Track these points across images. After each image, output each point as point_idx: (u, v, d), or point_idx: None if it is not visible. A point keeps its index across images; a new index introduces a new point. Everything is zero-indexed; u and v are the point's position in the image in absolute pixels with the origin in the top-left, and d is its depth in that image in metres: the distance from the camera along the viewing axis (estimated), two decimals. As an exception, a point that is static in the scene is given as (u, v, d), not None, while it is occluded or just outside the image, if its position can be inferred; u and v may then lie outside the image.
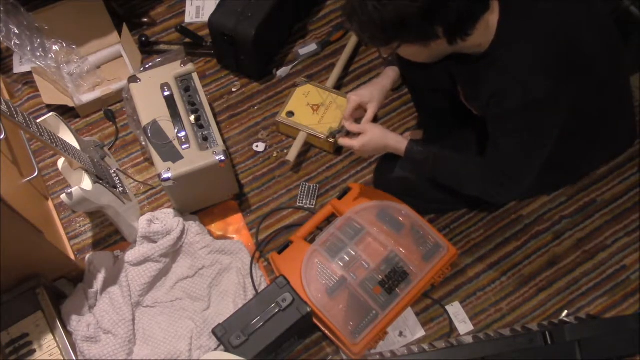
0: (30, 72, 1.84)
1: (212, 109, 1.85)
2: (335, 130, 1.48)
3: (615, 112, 1.37)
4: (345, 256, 1.45)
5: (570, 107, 1.18)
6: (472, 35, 1.12)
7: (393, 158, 1.57)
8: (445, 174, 1.37)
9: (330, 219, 1.60)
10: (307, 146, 1.78)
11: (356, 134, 1.40)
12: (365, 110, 1.43)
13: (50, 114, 1.42)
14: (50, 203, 1.71)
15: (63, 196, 1.32)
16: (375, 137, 1.37)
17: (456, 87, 1.37)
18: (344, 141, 1.42)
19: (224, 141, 1.79)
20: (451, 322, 1.52)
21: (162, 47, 1.95)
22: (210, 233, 1.63)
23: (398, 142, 1.36)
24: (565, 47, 1.13)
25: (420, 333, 1.51)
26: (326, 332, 1.45)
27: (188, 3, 2.05)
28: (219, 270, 1.57)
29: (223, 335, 1.33)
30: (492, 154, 1.26)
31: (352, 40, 1.90)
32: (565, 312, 1.52)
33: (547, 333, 1.17)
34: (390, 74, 1.47)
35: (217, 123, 1.77)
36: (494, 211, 1.67)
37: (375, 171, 1.69)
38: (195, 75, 1.61)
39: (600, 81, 1.22)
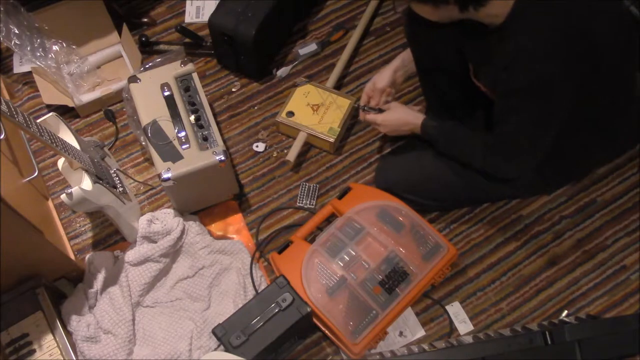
0: (30, 72, 1.84)
1: (212, 109, 1.85)
2: (363, 105, 1.60)
3: (623, 106, 1.36)
4: (345, 256, 1.45)
5: (578, 91, 1.18)
6: (486, 6, 1.13)
7: (394, 156, 1.61)
8: (455, 148, 1.42)
9: (330, 219, 1.60)
10: (307, 146, 1.78)
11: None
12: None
13: (50, 114, 1.42)
14: (50, 203, 1.71)
15: (63, 196, 1.32)
16: (397, 113, 1.50)
17: (463, 69, 1.37)
18: (369, 117, 1.55)
19: (224, 141, 1.79)
20: (451, 322, 1.52)
21: (162, 47, 1.95)
22: (210, 233, 1.63)
23: (416, 118, 1.45)
24: (578, 31, 1.13)
25: (420, 333, 1.51)
26: (326, 332, 1.45)
27: (188, 3, 2.05)
28: (219, 270, 1.57)
29: (223, 335, 1.33)
30: (500, 130, 1.27)
31: (352, 40, 1.90)
32: (565, 312, 1.52)
33: (547, 333, 1.17)
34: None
35: (217, 123, 1.77)
36: (494, 211, 1.67)
37: (376, 170, 1.69)
38: (195, 75, 1.61)
39: (609, 73, 1.22)
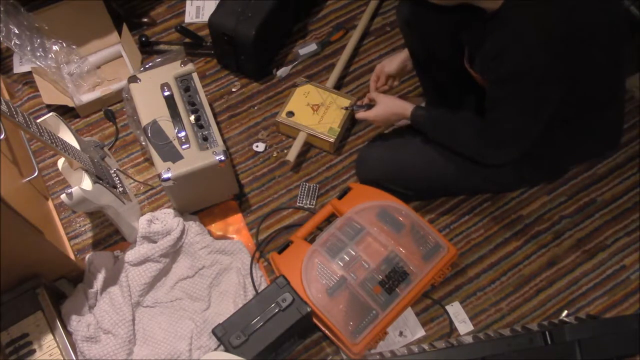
0: (30, 72, 1.84)
1: (212, 109, 1.85)
2: (352, 104, 1.67)
3: (603, 106, 1.37)
4: (345, 256, 1.45)
5: (562, 86, 1.19)
6: None
7: (374, 145, 1.68)
8: (444, 135, 1.45)
9: (330, 219, 1.60)
10: (307, 146, 1.78)
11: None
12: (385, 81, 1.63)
13: (50, 114, 1.42)
14: (50, 203, 1.71)
15: (63, 196, 1.32)
16: (385, 106, 1.54)
17: (455, 57, 1.40)
18: (360, 115, 1.60)
19: (224, 141, 1.79)
20: (451, 322, 1.52)
21: (162, 47, 1.95)
22: (210, 233, 1.63)
23: (404, 109, 1.49)
24: (567, 27, 1.14)
25: (420, 333, 1.51)
26: (326, 332, 1.45)
27: (188, 3, 2.05)
28: (219, 270, 1.57)
29: (223, 335, 1.33)
30: (489, 116, 1.30)
31: (352, 40, 1.90)
32: (565, 312, 1.52)
33: (547, 333, 1.17)
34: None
35: (217, 123, 1.77)
36: (494, 211, 1.67)
37: (356, 159, 1.70)
38: (195, 75, 1.61)
39: (594, 71, 1.23)
